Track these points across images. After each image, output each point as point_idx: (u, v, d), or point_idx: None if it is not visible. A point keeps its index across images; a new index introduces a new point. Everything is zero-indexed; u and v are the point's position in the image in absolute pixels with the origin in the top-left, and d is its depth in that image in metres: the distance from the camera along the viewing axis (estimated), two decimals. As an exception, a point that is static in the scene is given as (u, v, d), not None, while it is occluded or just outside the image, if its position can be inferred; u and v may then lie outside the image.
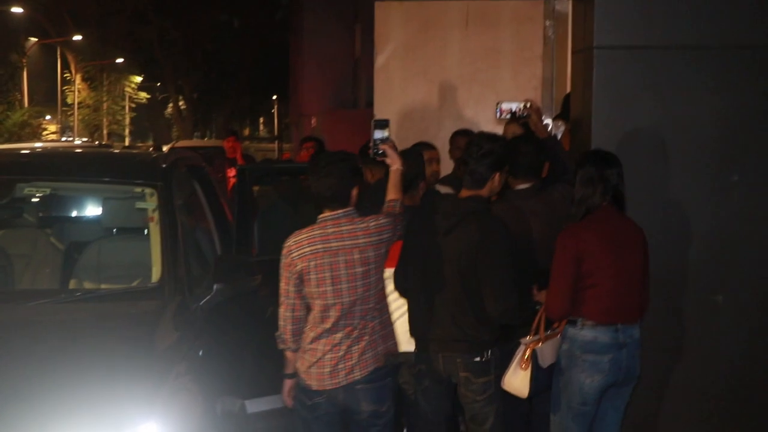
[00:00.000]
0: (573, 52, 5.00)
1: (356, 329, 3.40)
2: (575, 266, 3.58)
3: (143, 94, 41.80)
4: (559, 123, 5.35)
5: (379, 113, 6.85)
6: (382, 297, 3.52)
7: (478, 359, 3.47)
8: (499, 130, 5.33)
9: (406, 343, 3.65)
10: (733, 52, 4.43)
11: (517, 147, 3.95)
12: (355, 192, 3.45)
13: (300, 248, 3.37)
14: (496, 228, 3.46)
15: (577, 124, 4.76)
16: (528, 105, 4.36)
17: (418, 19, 6.49)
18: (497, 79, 6.56)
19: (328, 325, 3.38)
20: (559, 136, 5.27)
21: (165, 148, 16.41)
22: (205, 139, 40.16)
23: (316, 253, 3.35)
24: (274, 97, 47.03)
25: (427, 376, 3.58)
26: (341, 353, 3.38)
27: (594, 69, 4.46)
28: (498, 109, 4.41)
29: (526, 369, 3.57)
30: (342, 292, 3.35)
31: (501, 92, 6.60)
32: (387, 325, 3.53)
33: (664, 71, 4.44)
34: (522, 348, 3.63)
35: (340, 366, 3.38)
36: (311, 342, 3.41)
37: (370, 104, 11.22)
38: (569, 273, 3.58)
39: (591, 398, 3.64)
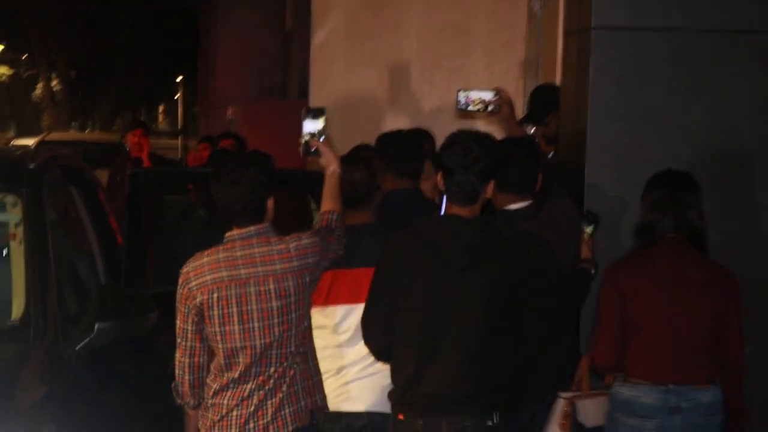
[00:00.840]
0: (565, 34, 5.11)
1: (271, 379, 3.41)
2: (617, 309, 3.70)
3: (4, 70, 41.26)
4: (528, 127, 5.35)
5: (317, 103, 6.88)
6: (306, 340, 3.53)
7: (490, 423, 3.39)
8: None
9: (377, 403, 3.64)
10: (750, 35, 4.61)
11: (506, 153, 3.80)
12: (270, 204, 3.46)
13: (200, 276, 3.37)
14: (543, 256, 3.53)
15: (569, 119, 4.88)
16: (497, 95, 4.38)
17: (368, -15, 6.57)
18: (467, 67, 6.66)
19: (235, 374, 3.39)
20: None
21: (31, 142, 16.18)
22: (87, 131, 39.77)
23: (220, 282, 3.36)
24: (179, 80, 46.82)
25: None
26: (251, 409, 3.39)
27: (591, 53, 4.58)
28: (462, 99, 4.38)
29: (565, 429, 3.69)
30: (253, 333, 3.36)
31: (471, 83, 6.67)
32: (313, 374, 3.55)
33: (673, 56, 4.61)
34: (561, 403, 3.74)
35: (250, 425, 3.38)
36: (214, 395, 3.42)
37: (303, 93, 11.26)
38: (616, 315, 3.70)
39: None
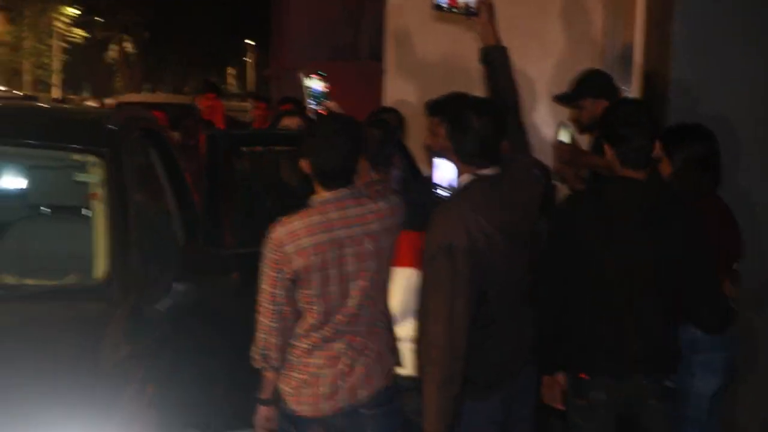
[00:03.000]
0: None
1: (360, 337, 3.43)
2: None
3: (79, 32, 41.71)
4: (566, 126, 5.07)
5: (391, 67, 6.84)
6: (386, 300, 3.57)
7: (668, 384, 3.63)
8: (545, 86, 5.30)
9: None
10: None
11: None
12: (363, 165, 3.51)
13: (296, 240, 3.35)
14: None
15: (650, 82, 4.80)
16: None
17: (445, -56, 6.47)
18: (545, 28, 6.56)
19: (328, 333, 3.40)
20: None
21: (107, 103, 16.39)
22: (158, 93, 40.13)
23: (320, 246, 3.36)
24: (250, 42, 47.01)
25: (603, 407, 3.60)
26: (341, 367, 3.41)
27: (674, 13, 4.49)
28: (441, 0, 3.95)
29: None
30: (350, 293, 3.39)
31: (549, 43, 6.59)
32: (393, 336, 3.58)
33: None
34: None
35: (339, 384, 3.40)
36: (303, 355, 3.43)
37: (375, 54, 11.21)
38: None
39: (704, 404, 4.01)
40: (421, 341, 3.36)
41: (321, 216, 3.39)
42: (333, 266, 3.36)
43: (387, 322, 3.55)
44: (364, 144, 3.57)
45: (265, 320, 3.42)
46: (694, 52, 4.68)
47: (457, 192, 3.52)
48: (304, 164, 3.46)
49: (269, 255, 3.37)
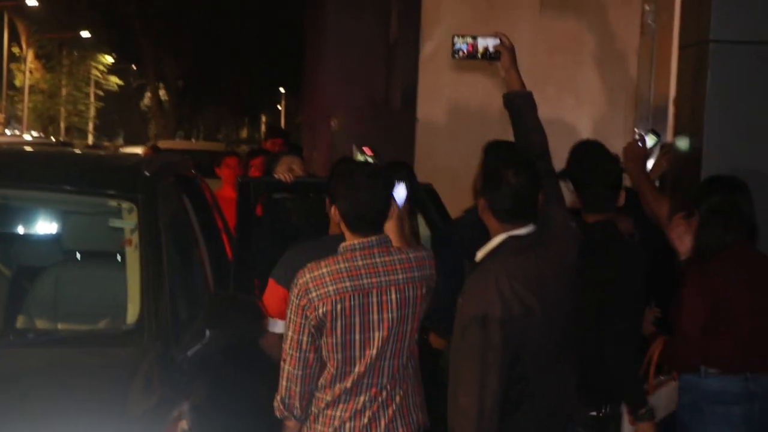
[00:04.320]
0: (681, 47, 5.04)
1: (383, 391, 3.41)
2: (708, 310, 3.96)
3: (114, 80, 42.31)
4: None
5: (424, 115, 6.89)
6: (416, 353, 3.54)
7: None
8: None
9: None
10: None
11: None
12: (392, 211, 3.53)
13: (321, 286, 3.36)
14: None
15: (684, 134, 4.80)
16: (498, 40, 3.73)
17: (478, -5, 6.55)
18: (579, 77, 6.60)
19: (347, 384, 3.39)
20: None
21: (139, 150, 16.57)
22: (193, 140, 40.51)
23: (344, 293, 3.35)
24: (282, 90, 47.40)
25: None
26: (365, 421, 3.39)
27: (709, 68, 4.50)
28: (461, 46, 3.74)
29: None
30: (372, 342, 3.37)
31: (583, 93, 6.62)
32: (420, 390, 3.55)
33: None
34: None
35: None
36: (326, 407, 3.42)
37: (407, 104, 11.26)
38: (700, 317, 3.97)
39: None
40: (451, 408, 3.26)
41: (347, 263, 3.38)
42: (357, 314, 3.35)
43: (413, 375, 3.51)
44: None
45: (289, 367, 3.41)
46: (728, 105, 4.68)
47: (491, 255, 3.35)
48: (334, 210, 3.47)
49: (295, 300, 3.38)
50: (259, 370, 4.17)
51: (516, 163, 3.33)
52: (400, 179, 3.73)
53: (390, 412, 3.41)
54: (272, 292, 4.02)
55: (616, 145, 6.23)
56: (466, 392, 3.20)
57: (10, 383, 3.26)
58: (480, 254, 3.36)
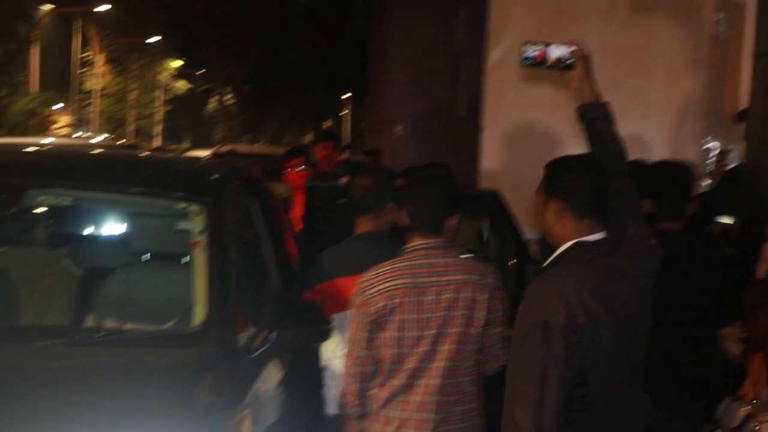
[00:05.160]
0: (755, 55, 4.97)
1: (438, 391, 3.44)
2: None
3: (181, 84, 42.80)
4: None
5: (490, 122, 6.87)
6: (472, 359, 3.53)
7: None
8: (643, 149, 5.26)
9: None
10: None
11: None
12: (453, 222, 3.55)
13: (379, 283, 3.45)
14: None
15: (754, 147, 4.74)
16: (572, 49, 3.47)
17: (546, 4, 6.53)
18: (648, 86, 6.54)
19: (402, 381, 3.45)
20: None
21: (205, 153, 16.73)
22: (257, 144, 40.77)
23: (402, 289, 3.42)
24: (346, 96, 47.57)
25: None
26: (420, 420, 3.42)
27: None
28: (531, 53, 3.50)
29: None
30: (425, 340, 3.42)
31: (652, 103, 6.56)
32: (477, 395, 3.55)
33: None
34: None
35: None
36: (382, 406, 3.47)
37: (473, 111, 11.24)
38: None
39: None
40: (507, 425, 3.05)
41: (407, 262, 3.48)
42: (411, 311, 3.40)
43: (469, 379, 3.52)
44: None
45: (347, 364, 3.48)
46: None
47: (557, 259, 3.17)
48: (401, 214, 3.57)
49: (356, 299, 3.47)
50: (320, 371, 4.20)
51: (587, 161, 3.27)
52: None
53: (444, 412, 3.44)
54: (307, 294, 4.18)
55: (685, 155, 6.21)
56: (522, 405, 2.99)
57: (80, 382, 3.31)
58: (548, 261, 3.21)
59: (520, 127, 6.59)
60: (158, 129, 42.72)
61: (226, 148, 17.13)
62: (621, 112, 6.39)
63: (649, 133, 6.45)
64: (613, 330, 3.05)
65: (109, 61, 37.93)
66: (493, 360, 3.58)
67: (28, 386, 3.23)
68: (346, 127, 50.52)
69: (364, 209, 4.09)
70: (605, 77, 6.49)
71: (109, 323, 4.30)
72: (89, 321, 4.39)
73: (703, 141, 6.19)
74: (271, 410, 3.72)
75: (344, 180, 5.56)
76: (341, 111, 52.33)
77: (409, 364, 3.42)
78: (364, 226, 4.11)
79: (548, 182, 3.20)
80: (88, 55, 37.10)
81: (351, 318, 3.51)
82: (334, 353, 3.99)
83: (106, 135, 34.54)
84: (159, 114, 42.02)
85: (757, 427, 3.89)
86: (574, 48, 3.43)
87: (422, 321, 3.42)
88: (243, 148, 22.84)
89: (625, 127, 6.23)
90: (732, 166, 5.73)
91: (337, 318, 3.88)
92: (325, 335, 3.83)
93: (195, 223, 4.02)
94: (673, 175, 4.16)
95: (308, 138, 54.82)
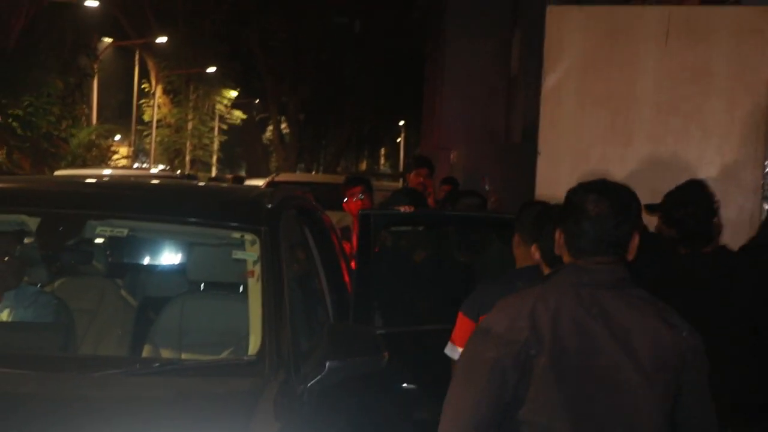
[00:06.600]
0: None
1: None
2: None
3: (238, 113, 43.20)
4: None
5: (546, 149, 6.83)
6: None
7: None
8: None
9: None
10: None
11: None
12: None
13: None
14: None
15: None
16: None
17: (602, 28, 6.47)
18: (704, 109, 6.44)
19: None
20: None
21: (261, 182, 16.84)
22: (313, 173, 41.01)
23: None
24: (401, 123, 47.74)
25: None
26: None
27: None
28: None
29: None
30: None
31: (710, 127, 6.47)
32: None
33: None
34: None
35: None
36: None
37: (528, 136, 11.21)
38: None
39: None
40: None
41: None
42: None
43: None
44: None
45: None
46: None
47: (545, 278, 3.01)
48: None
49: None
50: (376, 401, 4.18)
51: (598, 190, 2.86)
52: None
53: None
54: (461, 323, 4.15)
55: (745, 179, 6.12)
56: (443, 411, 2.79)
57: (137, 413, 3.32)
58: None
59: (576, 153, 6.53)
60: (215, 159, 43.14)
61: (281, 177, 17.20)
62: (678, 134, 6.36)
63: (707, 155, 6.36)
64: (582, 376, 2.73)
65: (167, 91, 38.44)
66: None
67: (87, 417, 3.25)
68: (402, 154, 50.64)
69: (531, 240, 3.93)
70: (662, 99, 6.46)
71: (166, 353, 4.33)
72: (146, 351, 4.43)
73: (765, 164, 6.08)
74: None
75: (404, 208, 5.51)
76: (397, 138, 52.49)
77: None
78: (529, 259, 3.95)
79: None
80: (146, 87, 37.65)
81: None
82: None
83: (161, 166, 34.97)
84: (215, 144, 42.44)
85: None
86: None
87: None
88: (298, 176, 22.96)
89: (684, 149, 6.21)
90: None
91: None
92: (379, 363, 3.81)
93: (250, 253, 4.03)
94: (691, 198, 4.37)
95: (363, 165, 55.01)
